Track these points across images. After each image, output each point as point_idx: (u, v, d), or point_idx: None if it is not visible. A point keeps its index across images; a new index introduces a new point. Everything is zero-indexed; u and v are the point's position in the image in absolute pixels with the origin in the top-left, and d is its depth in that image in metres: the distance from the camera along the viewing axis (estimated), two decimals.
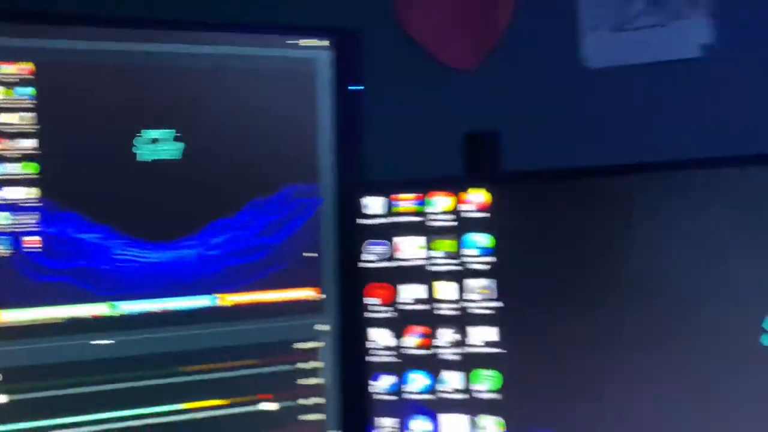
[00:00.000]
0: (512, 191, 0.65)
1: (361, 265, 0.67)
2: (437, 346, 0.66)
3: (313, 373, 0.69)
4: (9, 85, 0.61)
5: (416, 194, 0.67)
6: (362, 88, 0.69)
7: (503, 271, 0.64)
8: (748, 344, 0.60)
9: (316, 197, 0.70)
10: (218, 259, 0.68)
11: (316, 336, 0.70)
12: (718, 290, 0.61)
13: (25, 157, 0.61)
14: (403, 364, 0.66)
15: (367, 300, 0.67)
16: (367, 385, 0.67)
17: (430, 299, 0.66)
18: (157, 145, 0.66)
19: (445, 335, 0.66)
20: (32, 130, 0.62)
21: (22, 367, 0.61)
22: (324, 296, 0.69)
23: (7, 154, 0.61)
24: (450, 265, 0.66)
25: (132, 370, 0.65)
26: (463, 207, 0.66)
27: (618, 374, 0.62)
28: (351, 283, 0.67)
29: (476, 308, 0.65)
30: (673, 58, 1.05)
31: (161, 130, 0.65)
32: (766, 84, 1.00)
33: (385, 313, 0.67)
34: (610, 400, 0.62)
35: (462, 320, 0.65)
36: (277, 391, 0.68)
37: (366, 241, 0.67)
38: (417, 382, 0.66)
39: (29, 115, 0.61)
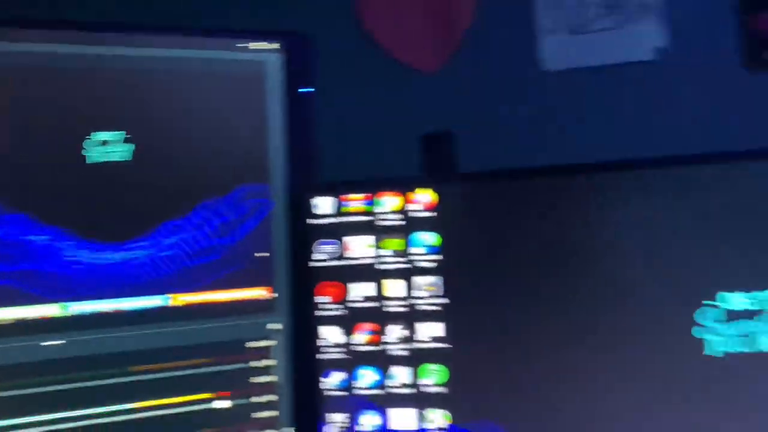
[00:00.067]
0: (458, 191, 0.67)
1: (312, 264, 0.68)
2: (386, 343, 0.67)
3: (265, 370, 0.70)
4: None
5: (365, 194, 0.68)
6: (313, 90, 0.71)
7: (449, 268, 0.66)
8: (685, 337, 0.63)
9: (268, 198, 0.72)
10: (171, 260, 0.69)
11: (268, 334, 0.71)
12: (658, 286, 0.63)
13: None
14: (353, 361, 0.68)
15: (318, 298, 0.68)
16: (318, 381, 0.68)
17: (379, 297, 0.68)
18: (107, 146, 0.66)
19: (394, 332, 0.67)
20: None
21: None
22: (276, 295, 0.70)
23: None
24: (398, 264, 0.67)
25: (84, 370, 0.65)
26: (410, 207, 0.68)
27: (560, 368, 0.64)
28: (302, 282, 0.68)
29: (423, 305, 0.67)
30: (627, 61, 1.08)
31: (111, 132, 0.66)
32: (715, 85, 1.04)
33: (336, 311, 0.68)
34: (552, 394, 0.64)
35: (410, 317, 0.67)
36: (231, 389, 0.69)
37: (316, 241, 0.69)
38: (366, 377, 0.67)
39: None
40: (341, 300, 0.68)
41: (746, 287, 0.61)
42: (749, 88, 1.02)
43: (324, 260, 0.68)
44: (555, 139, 1.06)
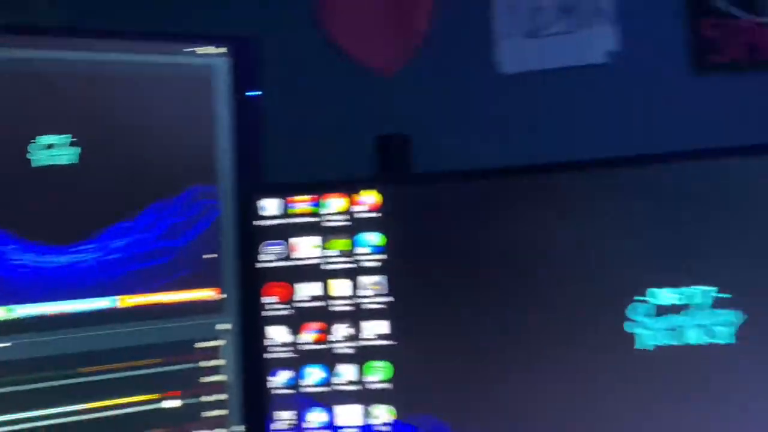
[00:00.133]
0: (401, 193, 0.69)
1: (259, 265, 0.70)
2: (332, 341, 0.69)
3: (215, 370, 0.71)
4: None
5: (311, 196, 0.70)
6: (260, 93, 0.72)
7: (393, 267, 0.68)
8: (618, 331, 0.65)
9: (218, 200, 0.73)
10: (119, 262, 0.69)
11: (217, 335, 0.72)
12: (593, 283, 0.65)
13: None
14: (300, 359, 0.69)
15: (266, 299, 0.70)
16: (266, 380, 0.69)
17: (326, 296, 0.69)
18: (53, 150, 0.66)
19: (340, 330, 0.69)
20: None
21: None
22: (224, 296, 0.72)
23: None
24: (344, 263, 0.69)
25: (31, 372, 0.65)
26: (355, 208, 0.69)
27: (501, 363, 0.66)
28: (249, 283, 0.69)
29: (369, 303, 0.68)
30: (580, 64, 1.11)
31: (57, 136, 0.66)
32: (665, 87, 1.08)
33: (283, 310, 0.69)
34: (493, 388, 0.66)
35: (355, 315, 0.69)
36: (181, 388, 0.70)
37: (263, 242, 0.70)
38: (313, 375, 0.69)
39: None
40: (288, 300, 0.69)
41: (674, 283, 0.63)
42: (696, 90, 1.06)
43: (271, 261, 0.69)
44: (509, 141, 1.09)
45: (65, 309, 0.66)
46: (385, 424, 0.67)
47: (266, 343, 0.69)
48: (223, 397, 0.71)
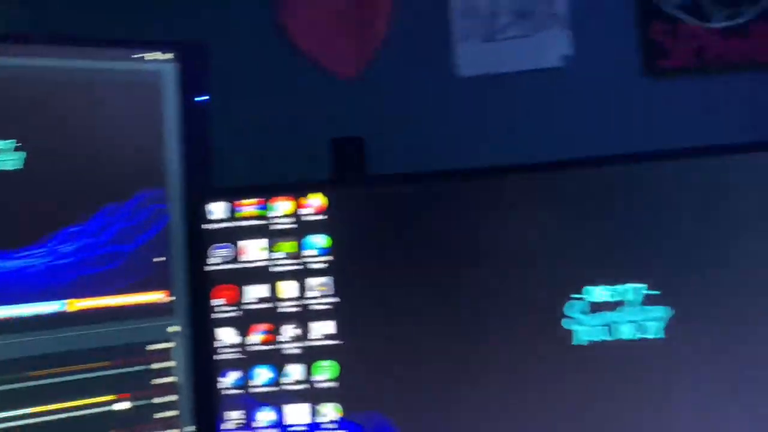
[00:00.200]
0: (346, 195, 0.70)
1: (208, 268, 0.71)
2: (280, 342, 0.70)
3: (166, 372, 0.72)
4: None
5: (258, 199, 0.71)
6: (208, 98, 0.73)
7: (339, 268, 0.70)
8: (556, 328, 0.67)
9: (167, 204, 0.74)
10: (70, 267, 0.70)
11: (168, 337, 0.73)
12: (533, 282, 0.67)
13: None
14: (249, 360, 0.70)
15: (214, 301, 0.71)
16: (216, 381, 0.70)
17: (273, 298, 0.70)
18: None
19: (288, 331, 0.70)
20: None
21: None
22: (173, 299, 0.73)
23: None
24: (291, 265, 0.70)
25: None
26: (302, 211, 0.71)
27: (444, 361, 0.68)
28: (198, 286, 0.71)
29: (316, 304, 0.70)
30: (536, 67, 1.14)
31: (1, 141, 0.67)
32: (617, 90, 1.11)
33: (231, 312, 0.70)
34: (436, 386, 0.68)
35: (303, 316, 0.70)
36: (132, 390, 0.71)
37: (211, 245, 0.71)
38: (262, 376, 0.70)
39: None
40: (236, 302, 0.71)
41: (608, 281, 0.66)
42: (646, 92, 1.09)
43: (219, 264, 0.71)
44: (467, 143, 1.11)
45: (13, 313, 0.67)
46: (332, 422, 0.69)
47: (216, 344, 0.70)
48: (174, 398, 0.72)
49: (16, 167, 0.67)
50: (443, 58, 1.12)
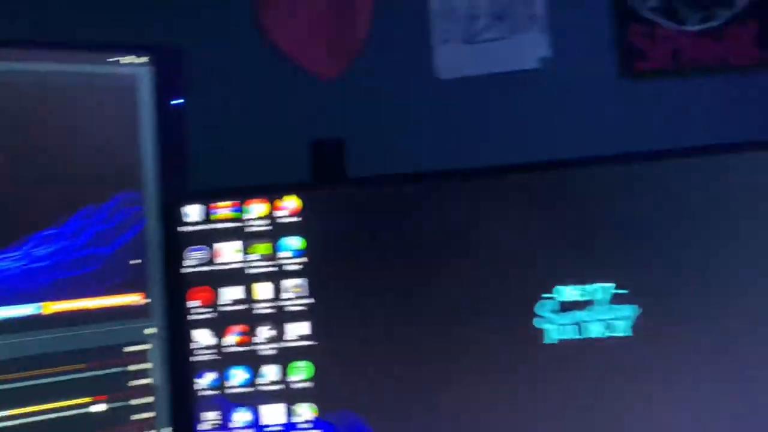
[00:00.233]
0: (320, 197, 0.71)
1: (183, 270, 0.71)
2: (256, 343, 0.71)
3: (143, 374, 0.73)
4: None
5: (233, 202, 0.72)
6: (183, 101, 0.73)
7: (314, 270, 0.70)
8: (528, 327, 0.68)
9: (143, 206, 0.74)
10: (46, 270, 0.70)
11: (144, 339, 0.73)
12: (505, 282, 0.68)
13: None
14: (225, 361, 0.71)
15: (190, 303, 0.71)
16: (192, 382, 0.71)
17: (249, 300, 0.71)
18: None
19: (263, 332, 0.71)
20: None
21: None
22: (149, 301, 0.73)
23: None
24: (266, 267, 0.71)
25: None
26: (277, 213, 0.71)
27: (418, 361, 0.69)
28: (174, 288, 0.71)
29: (291, 306, 0.71)
30: (514, 69, 1.15)
31: None
32: (594, 92, 1.12)
33: (207, 314, 0.71)
34: (410, 385, 0.68)
35: (278, 317, 0.71)
36: (109, 392, 0.71)
37: (187, 248, 0.72)
38: (238, 377, 0.71)
39: None
40: (212, 304, 0.71)
41: (577, 281, 0.67)
42: (623, 94, 1.11)
43: (195, 266, 0.71)
44: (446, 145, 1.12)
45: None
46: (307, 422, 0.70)
47: (192, 346, 0.71)
48: (150, 399, 0.73)
49: None
50: (423, 60, 1.13)
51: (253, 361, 0.70)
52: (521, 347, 0.67)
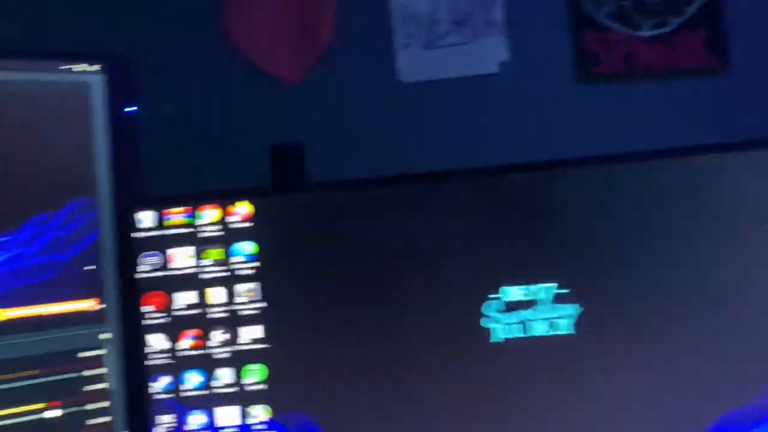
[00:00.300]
0: (272, 203, 0.72)
1: (137, 276, 0.72)
2: (210, 347, 0.72)
3: (98, 378, 0.73)
4: None
5: (186, 208, 0.72)
6: (136, 109, 0.74)
7: (266, 274, 0.71)
8: (475, 327, 0.70)
9: (97, 213, 0.75)
10: (0, 276, 0.70)
11: (99, 344, 0.74)
12: (454, 283, 0.70)
13: None
14: (180, 365, 0.72)
15: (144, 308, 0.72)
16: (147, 386, 0.72)
17: (202, 304, 0.72)
18: None
19: (217, 336, 0.72)
20: None
21: None
22: (104, 306, 0.74)
23: None
24: (219, 272, 0.72)
25: None
26: (229, 218, 0.72)
27: (368, 362, 0.70)
28: (129, 293, 0.72)
29: (244, 309, 0.72)
30: (474, 74, 1.17)
31: None
32: (552, 96, 1.14)
33: (161, 319, 0.72)
34: (361, 387, 0.70)
35: (232, 321, 0.72)
36: (64, 398, 0.72)
37: (141, 253, 0.72)
38: (193, 380, 0.71)
39: None
40: (166, 309, 0.72)
41: (522, 281, 0.69)
42: (580, 98, 1.13)
43: (148, 272, 0.72)
44: (406, 149, 1.13)
45: None
46: (261, 424, 0.71)
47: (146, 350, 0.72)
48: (106, 404, 0.73)
49: None
50: (385, 65, 1.14)
51: (207, 364, 0.71)
52: (470, 346, 0.69)
